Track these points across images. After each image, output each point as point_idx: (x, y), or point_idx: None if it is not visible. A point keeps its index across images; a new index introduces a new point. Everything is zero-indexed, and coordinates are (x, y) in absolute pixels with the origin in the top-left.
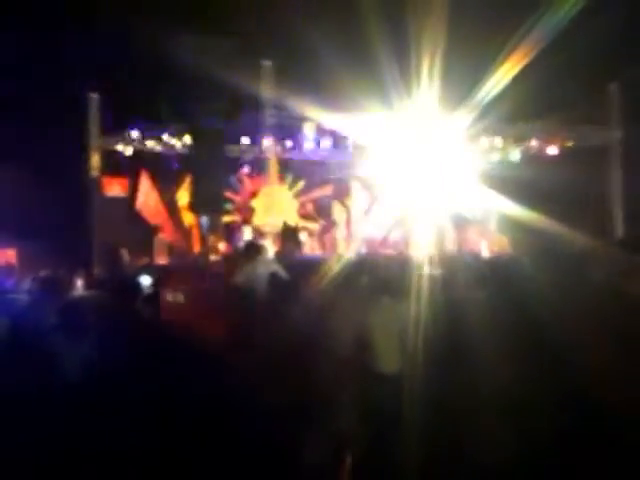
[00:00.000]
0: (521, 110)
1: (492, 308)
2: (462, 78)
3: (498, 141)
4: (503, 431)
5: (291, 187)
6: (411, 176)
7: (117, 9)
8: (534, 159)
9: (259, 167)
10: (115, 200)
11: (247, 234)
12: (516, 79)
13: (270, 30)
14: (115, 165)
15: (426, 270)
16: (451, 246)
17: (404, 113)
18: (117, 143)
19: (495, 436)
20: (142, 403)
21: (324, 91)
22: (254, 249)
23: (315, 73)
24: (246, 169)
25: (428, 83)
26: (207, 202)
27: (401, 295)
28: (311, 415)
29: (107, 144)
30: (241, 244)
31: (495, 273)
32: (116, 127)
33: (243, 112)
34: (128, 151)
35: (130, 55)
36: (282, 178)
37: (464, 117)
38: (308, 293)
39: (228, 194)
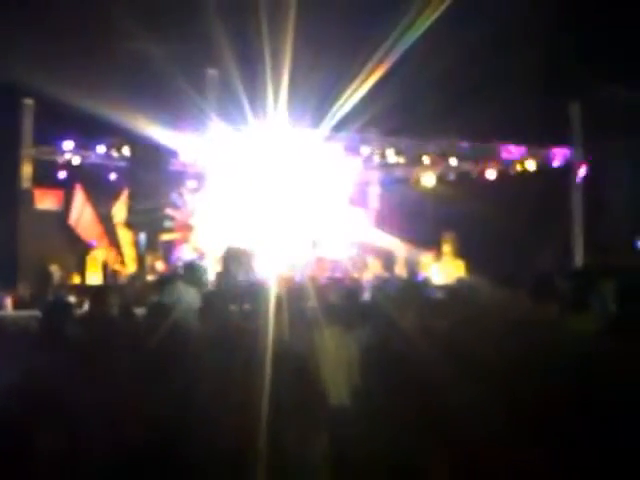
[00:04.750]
0: (477, 129)
1: (448, 338)
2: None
3: (453, 161)
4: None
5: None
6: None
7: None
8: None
9: (201, 182)
10: (47, 213)
11: (187, 253)
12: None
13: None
14: (49, 177)
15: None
16: (401, 270)
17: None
18: (51, 154)
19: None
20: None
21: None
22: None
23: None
24: (189, 184)
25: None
26: (145, 219)
27: (350, 323)
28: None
29: (41, 154)
30: (180, 264)
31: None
32: (51, 137)
33: (186, 122)
34: (63, 162)
35: (67, 61)
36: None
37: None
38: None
39: (168, 211)
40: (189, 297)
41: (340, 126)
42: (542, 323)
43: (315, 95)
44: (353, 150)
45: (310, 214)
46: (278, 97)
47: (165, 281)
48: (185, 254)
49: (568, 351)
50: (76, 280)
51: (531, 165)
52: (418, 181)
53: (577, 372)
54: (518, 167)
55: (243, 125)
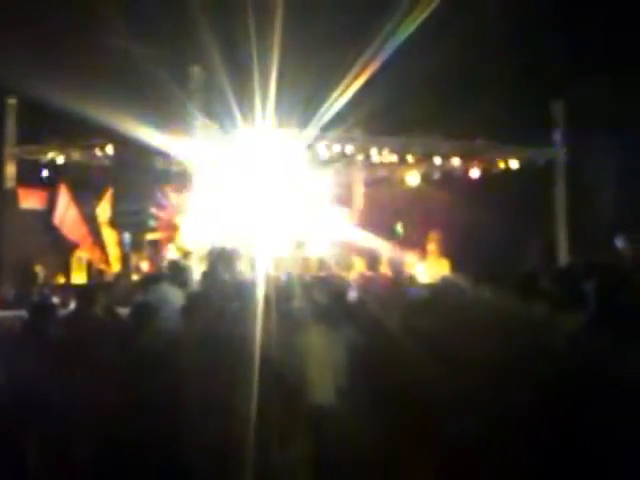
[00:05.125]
0: (467, 128)
1: (433, 338)
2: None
3: (437, 160)
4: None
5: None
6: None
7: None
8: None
9: (186, 181)
10: (32, 213)
11: (172, 253)
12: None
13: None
14: (33, 176)
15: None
16: (385, 269)
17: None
18: (35, 153)
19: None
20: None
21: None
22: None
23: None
24: (174, 183)
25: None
26: (130, 218)
27: (336, 322)
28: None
29: (24, 154)
30: (165, 263)
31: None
32: (35, 136)
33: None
34: (47, 162)
35: (51, 60)
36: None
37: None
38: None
39: (153, 210)
40: (173, 297)
41: (326, 126)
42: (527, 322)
43: (301, 95)
44: (338, 150)
45: (296, 213)
46: (265, 97)
47: (149, 281)
48: (170, 254)
49: (554, 349)
50: (61, 280)
51: (514, 164)
52: (403, 180)
53: (563, 369)
54: (502, 166)
55: (229, 124)
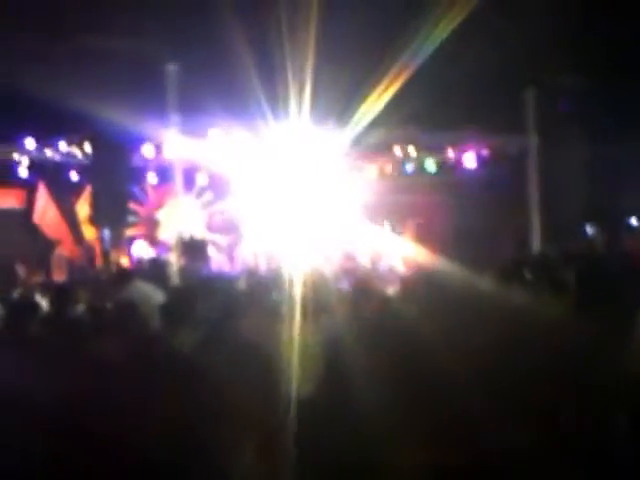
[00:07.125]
0: (435, 119)
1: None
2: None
3: (412, 150)
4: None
5: (198, 197)
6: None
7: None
8: (451, 169)
9: (164, 176)
10: (9, 212)
11: (143, 249)
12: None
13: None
14: (10, 175)
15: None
16: (366, 260)
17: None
18: (12, 152)
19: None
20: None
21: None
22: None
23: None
24: (152, 178)
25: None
26: (109, 214)
27: (317, 314)
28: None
29: (1, 153)
30: (145, 259)
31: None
32: (10, 134)
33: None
34: (24, 160)
35: (24, 58)
36: (189, 187)
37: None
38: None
39: (132, 205)
40: (150, 294)
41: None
42: (511, 309)
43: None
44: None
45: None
46: (243, 92)
47: (127, 277)
48: (141, 250)
49: (540, 336)
50: (41, 278)
51: (487, 153)
52: (382, 171)
53: (549, 355)
54: (475, 155)
55: (206, 120)
